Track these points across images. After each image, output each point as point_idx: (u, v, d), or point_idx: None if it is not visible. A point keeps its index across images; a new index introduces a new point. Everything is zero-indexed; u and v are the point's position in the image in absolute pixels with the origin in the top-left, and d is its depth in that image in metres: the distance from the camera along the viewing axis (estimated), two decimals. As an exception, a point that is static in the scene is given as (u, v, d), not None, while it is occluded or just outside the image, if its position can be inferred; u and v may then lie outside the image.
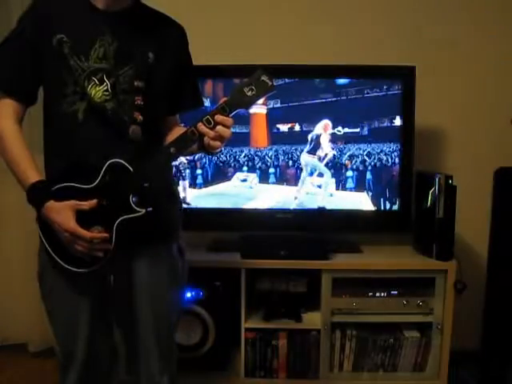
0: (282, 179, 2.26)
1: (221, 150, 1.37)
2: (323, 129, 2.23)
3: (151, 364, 1.47)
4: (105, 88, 1.34)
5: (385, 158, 2.22)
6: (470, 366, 2.27)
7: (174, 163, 2.17)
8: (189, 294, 2.10)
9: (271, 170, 2.26)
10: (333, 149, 2.23)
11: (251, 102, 1.29)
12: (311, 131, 2.23)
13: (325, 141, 2.23)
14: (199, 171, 2.27)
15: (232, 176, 2.27)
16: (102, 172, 1.30)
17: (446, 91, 2.42)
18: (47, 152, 1.42)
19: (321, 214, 2.26)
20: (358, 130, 2.21)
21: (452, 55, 2.41)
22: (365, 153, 2.22)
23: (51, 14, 1.34)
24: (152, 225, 1.37)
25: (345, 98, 2.20)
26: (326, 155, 2.25)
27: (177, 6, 2.27)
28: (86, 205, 1.29)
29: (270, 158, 2.25)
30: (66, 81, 1.33)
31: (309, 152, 2.25)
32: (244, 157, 2.24)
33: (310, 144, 2.24)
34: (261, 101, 2.06)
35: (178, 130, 1.42)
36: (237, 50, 2.37)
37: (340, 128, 2.21)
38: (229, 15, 2.43)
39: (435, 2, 2.41)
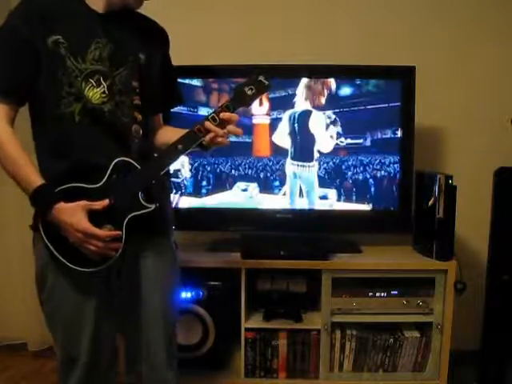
0: (283, 189, 2.25)
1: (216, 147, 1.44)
2: (310, 99, 2.15)
3: (158, 356, 1.47)
4: (102, 90, 1.35)
5: (385, 158, 2.22)
6: (470, 366, 2.27)
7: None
8: (189, 294, 2.10)
9: (273, 181, 2.25)
10: (337, 136, 2.18)
11: (251, 100, 1.41)
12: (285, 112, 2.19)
13: (317, 123, 2.18)
14: (201, 181, 2.26)
15: (233, 185, 2.26)
16: (109, 171, 1.32)
17: (446, 91, 2.42)
18: (41, 154, 1.39)
19: (321, 214, 2.26)
20: (357, 132, 2.22)
21: (452, 55, 2.41)
22: (364, 155, 2.22)
23: (46, 15, 1.32)
24: (156, 220, 1.40)
25: (345, 103, 2.20)
26: (323, 156, 2.21)
27: (176, 6, 2.28)
28: (99, 205, 1.30)
29: (272, 168, 2.24)
30: (61, 82, 1.32)
31: (294, 158, 2.21)
32: (245, 166, 2.24)
33: (292, 142, 2.20)
34: (264, 111, 2.10)
35: (172, 129, 1.54)
36: (235, 50, 2.38)
37: (339, 129, 2.21)
38: (228, 15, 2.43)
39: (435, 2, 2.41)
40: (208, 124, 1.36)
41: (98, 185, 1.32)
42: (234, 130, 1.39)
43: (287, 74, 2.19)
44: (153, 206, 1.35)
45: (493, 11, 2.39)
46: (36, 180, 1.30)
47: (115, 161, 1.32)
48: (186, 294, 2.09)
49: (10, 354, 2.60)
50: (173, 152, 1.37)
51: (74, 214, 1.28)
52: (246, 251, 2.13)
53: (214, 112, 1.38)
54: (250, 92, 1.39)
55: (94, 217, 1.30)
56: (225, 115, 1.36)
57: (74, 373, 1.43)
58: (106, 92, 1.35)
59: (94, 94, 1.34)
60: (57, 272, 1.37)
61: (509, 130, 2.13)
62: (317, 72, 2.21)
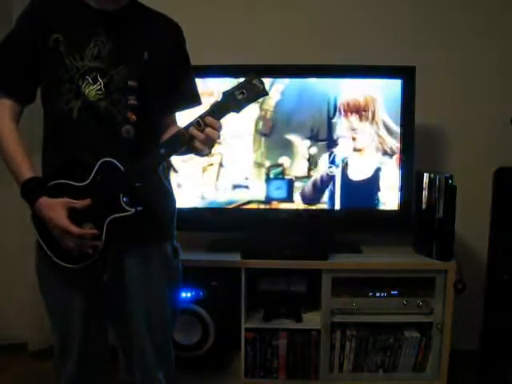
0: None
1: (210, 153, 1.38)
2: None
3: (146, 360, 1.47)
4: (98, 87, 1.35)
5: (385, 157, 2.22)
6: (470, 366, 2.27)
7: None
8: (189, 294, 2.10)
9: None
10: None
11: (241, 105, 1.30)
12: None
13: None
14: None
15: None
16: (94, 171, 1.31)
17: (446, 91, 2.42)
18: (44, 149, 1.43)
19: (321, 214, 2.26)
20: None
21: (452, 55, 2.41)
22: (364, 154, 2.22)
23: (48, 14, 1.35)
24: (143, 224, 1.37)
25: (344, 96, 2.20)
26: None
27: (176, 4, 2.27)
28: (79, 204, 1.30)
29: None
30: (62, 79, 1.34)
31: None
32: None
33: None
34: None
35: (172, 130, 1.42)
36: (236, 50, 2.37)
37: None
38: (228, 15, 2.43)
39: (435, 1, 2.41)
40: (191, 129, 1.29)
41: (83, 183, 1.32)
42: (211, 133, 1.28)
43: (287, 74, 2.19)
44: (132, 210, 1.31)
45: (493, 11, 2.39)
46: (26, 173, 1.32)
47: (100, 161, 1.31)
48: (186, 294, 2.09)
49: (10, 354, 2.60)
50: (156, 156, 1.33)
51: (54, 209, 1.29)
52: (246, 251, 2.13)
53: (199, 116, 1.30)
54: (240, 97, 1.28)
55: (78, 215, 1.30)
56: (207, 119, 1.28)
57: (67, 369, 1.45)
58: (103, 89, 1.35)
59: (90, 90, 1.34)
60: (49, 267, 1.39)
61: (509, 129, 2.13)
62: (317, 72, 2.21)
